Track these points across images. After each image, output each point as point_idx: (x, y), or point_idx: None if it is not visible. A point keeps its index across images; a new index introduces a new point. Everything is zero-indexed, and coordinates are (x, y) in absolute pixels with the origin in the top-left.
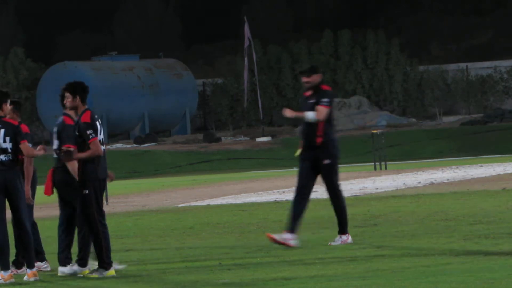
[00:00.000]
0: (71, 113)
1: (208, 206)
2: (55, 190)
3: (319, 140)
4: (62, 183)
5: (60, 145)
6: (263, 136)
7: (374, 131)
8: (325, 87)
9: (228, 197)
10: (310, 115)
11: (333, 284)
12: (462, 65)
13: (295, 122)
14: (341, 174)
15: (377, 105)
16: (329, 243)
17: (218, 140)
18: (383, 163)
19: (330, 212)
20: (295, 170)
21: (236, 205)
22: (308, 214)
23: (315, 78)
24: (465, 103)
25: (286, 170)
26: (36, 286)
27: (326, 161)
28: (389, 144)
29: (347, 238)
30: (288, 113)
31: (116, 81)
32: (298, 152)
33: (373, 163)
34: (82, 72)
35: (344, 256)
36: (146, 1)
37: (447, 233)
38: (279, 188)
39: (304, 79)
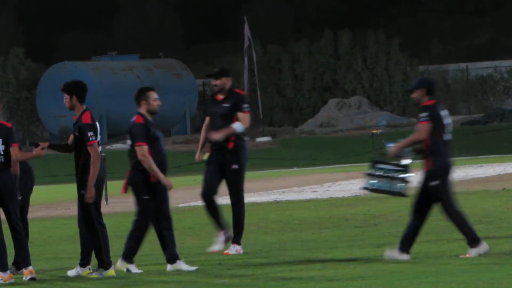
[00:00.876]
0: (144, 111)
1: None
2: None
3: (231, 144)
4: (135, 182)
5: (132, 145)
6: (263, 136)
7: (374, 131)
8: (238, 90)
9: (228, 197)
10: (238, 126)
11: (333, 284)
12: (462, 65)
13: (293, 122)
14: (341, 174)
15: (377, 105)
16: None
17: None
18: None
19: (330, 212)
20: (295, 170)
21: None
22: (308, 214)
23: (225, 81)
24: (465, 103)
25: (286, 170)
26: (36, 286)
27: (235, 166)
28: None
29: (240, 249)
30: (217, 135)
31: (116, 81)
32: (206, 155)
33: None
34: (82, 72)
35: (344, 256)
36: (146, 1)
37: (447, 233)
38: (279, 188)
39: (213, 82)
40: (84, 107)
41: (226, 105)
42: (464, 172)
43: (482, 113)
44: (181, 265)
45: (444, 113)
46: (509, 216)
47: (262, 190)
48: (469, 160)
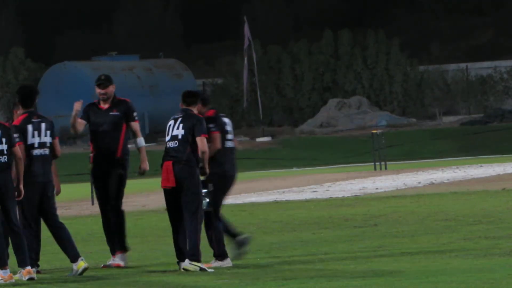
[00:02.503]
0: (197, 112)
1: None
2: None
3: (119, 153)
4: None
5: (194, 135)
6: (263, 136)
7: (374, 131)
8: (123, 98)
9: (228, 197)
10: (141, 141)
11: (333, 284)
12: (462, 65)
13: (294, 122)
14: (341, 174)
15: (377, 105)
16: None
17: None
18: (383, 163)
19: (330, 212)
20: (295, 170)
21: (236, 205)
22: (308, 214)
23: (111, 89)
24: (465, 103)
25: (286, 170)
26: (35, 286)
27: (120, 171)
28: (389, 144)
29: (123, 260)
30: (147, 165)
31: (116, 81)
32: (90, 166)
33: (373, 163)
34: (82, 72)
35: (344, 256)
36: (146, 1)
37: (447, 233)
38: (279, 188)
39: (101, 91)
40: (28, 110)
41: (115, 113)
42: (464, 172)
43: (482, 113)
44: (186, 264)
45: (226, 120)
46: (509, 216)
47: (262, 190)
48: (469, 160)
